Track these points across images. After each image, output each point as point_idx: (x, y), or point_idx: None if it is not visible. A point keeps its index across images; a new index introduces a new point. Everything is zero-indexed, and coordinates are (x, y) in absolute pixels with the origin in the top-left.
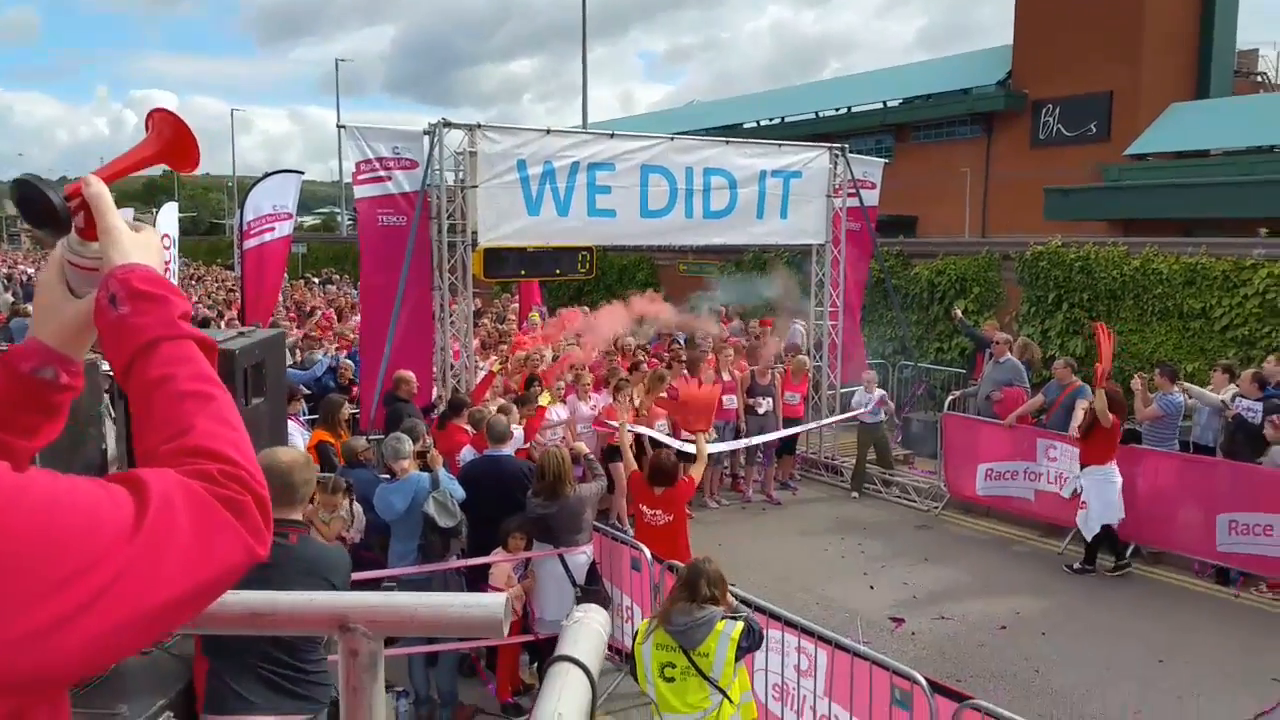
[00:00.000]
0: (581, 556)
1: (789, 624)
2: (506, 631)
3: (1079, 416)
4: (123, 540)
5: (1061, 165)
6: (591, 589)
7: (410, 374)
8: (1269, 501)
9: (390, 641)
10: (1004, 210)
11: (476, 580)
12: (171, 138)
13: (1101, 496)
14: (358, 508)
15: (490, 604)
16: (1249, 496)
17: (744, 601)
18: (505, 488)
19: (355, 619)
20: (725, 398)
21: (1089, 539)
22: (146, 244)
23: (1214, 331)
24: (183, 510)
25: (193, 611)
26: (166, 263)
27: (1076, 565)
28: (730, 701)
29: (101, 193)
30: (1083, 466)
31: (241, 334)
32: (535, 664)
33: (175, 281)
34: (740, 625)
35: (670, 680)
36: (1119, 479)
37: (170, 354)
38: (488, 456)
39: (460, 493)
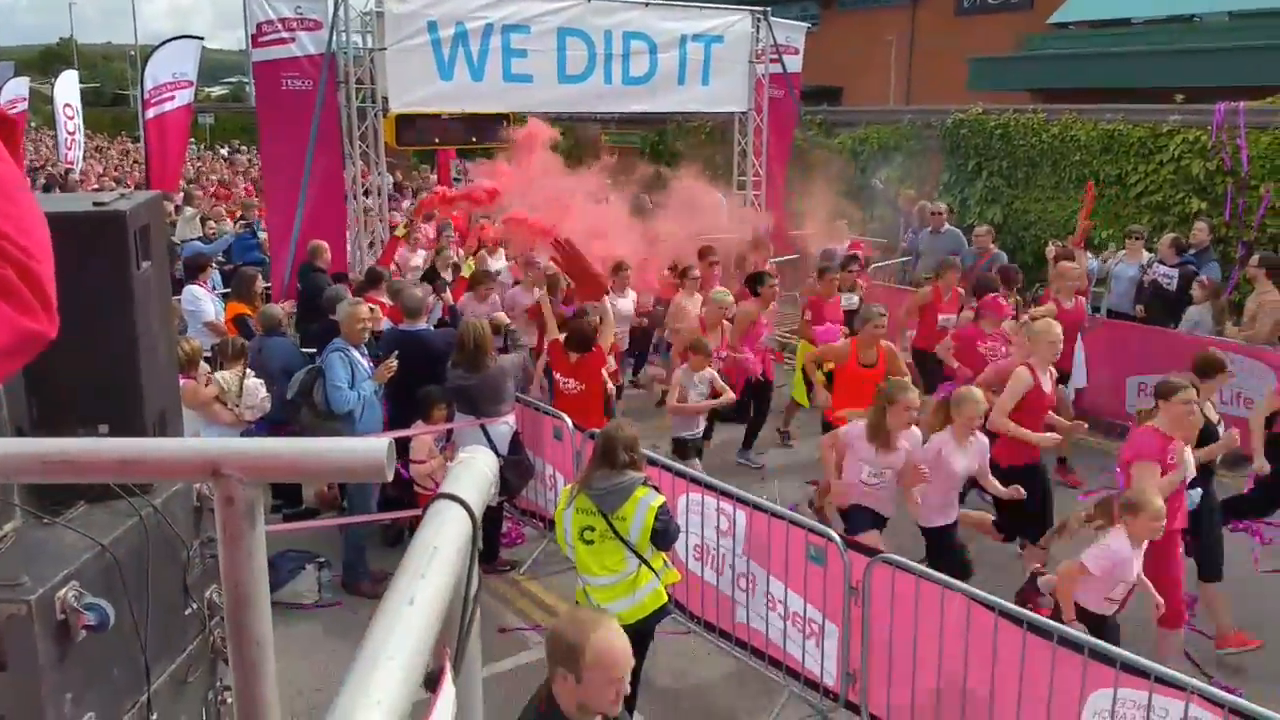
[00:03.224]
0: (504, 427)
1: (709, 487)
2: (391, 475)
3: None
4: None
5: (986, 34)
6: (514, 458)
7: (324, 243)
8: (1174, 364)
9: (314, 514)
10: (929, 79)
11: (398, 453)
12: None
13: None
14: (253, 383)
15: (372, 447)
16: (1157, 360)
17: (678, 473)
18: (425, 361)
19: (229, 466)
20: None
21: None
22: None
23: (1129, 198)
24: None
25: None
26: (72, 133)
27: None
28: (650, 568)
29: None
30: None
31: (124, 195)
32: None
33: (81, 153)
34: (660, 499)
35: (589, 543)
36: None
37: None
38: (405, 330)
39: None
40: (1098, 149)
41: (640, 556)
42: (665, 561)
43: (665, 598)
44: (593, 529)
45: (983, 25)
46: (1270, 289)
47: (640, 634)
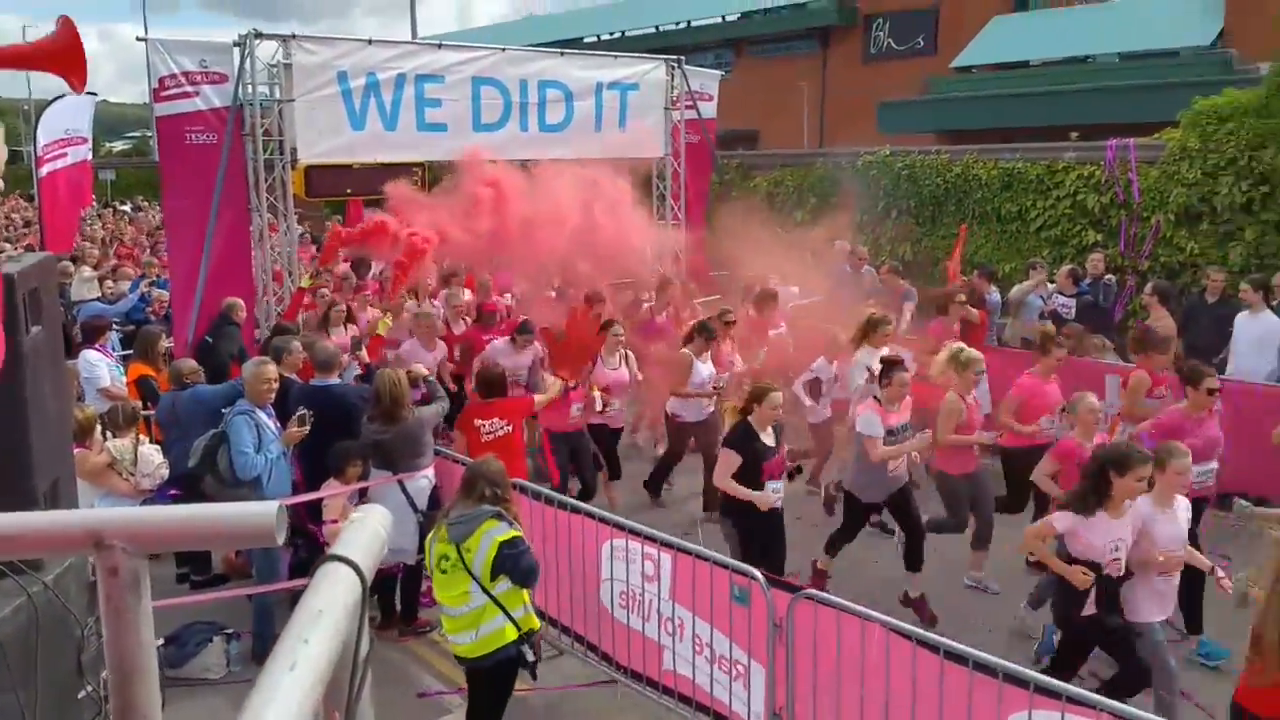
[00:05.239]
0: (423, 481)
1: (633, 532)
2: (283, 539)
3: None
4: None
5: (893, 79)
6: (434, 514)
7: (239, 300)
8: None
9: (223, 580)
10: (840, 123)
11: (313, 516)
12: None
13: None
14: (147, 450)
15: (261, 511)
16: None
17: (601, 519)
18: (338, 416)
19: (112, 535)
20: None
21: None
22: None
23: (1029, 233)
24: None
25: None
26: None
27: None
28: (498, 605)
29: None
30: None
31: (12, 258)
32: (375, 595)
33: None
34: (511, 532)
35: (444, 572)
36: None
37: None
38: (316, 385)
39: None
40: (998, 187)
41: (487, 591)
42: (526, 603)
43: (510, 637)
44: (448, 558)
45: (890, 70)
46: (1163, 314)
47: (484, 672)
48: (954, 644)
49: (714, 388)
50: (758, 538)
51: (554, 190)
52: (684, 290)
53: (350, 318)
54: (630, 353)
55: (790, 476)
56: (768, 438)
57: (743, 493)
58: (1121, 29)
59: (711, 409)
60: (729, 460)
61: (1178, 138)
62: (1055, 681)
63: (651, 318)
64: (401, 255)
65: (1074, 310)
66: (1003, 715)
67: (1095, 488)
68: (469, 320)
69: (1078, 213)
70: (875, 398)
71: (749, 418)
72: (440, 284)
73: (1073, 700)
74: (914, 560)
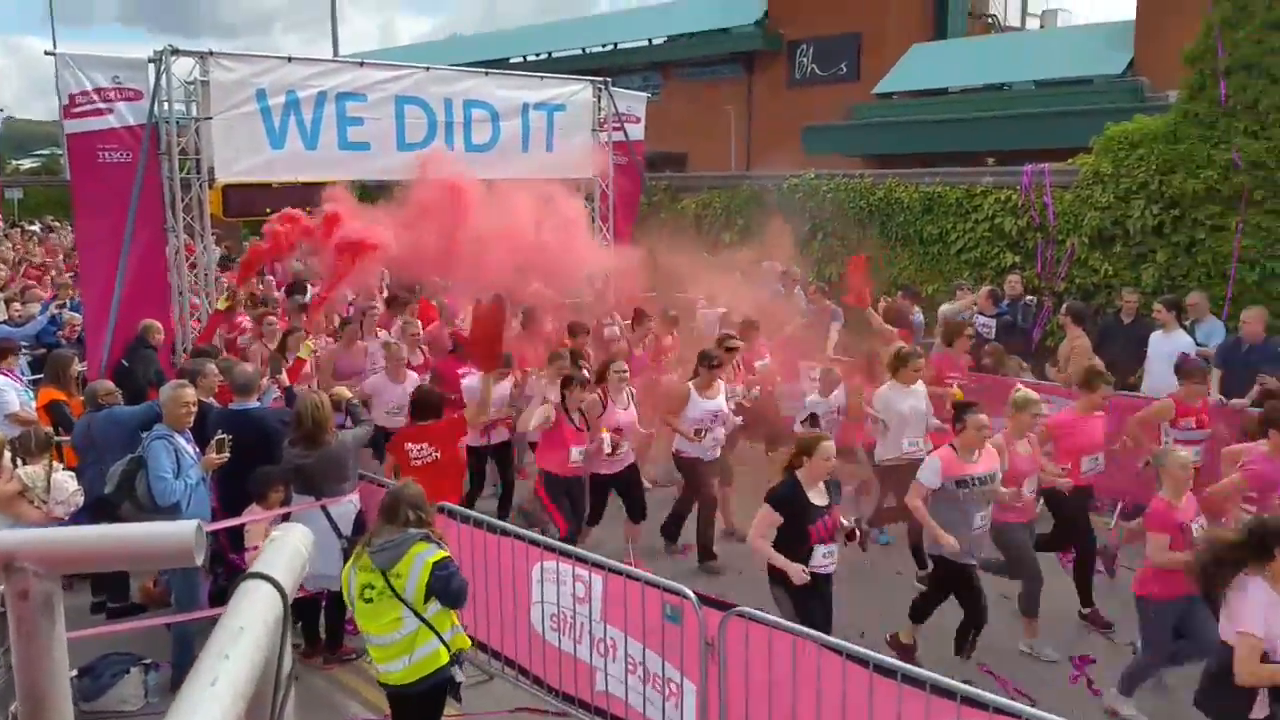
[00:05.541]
0: (347, 506)
1: (564, 554)
2: (202, 559)
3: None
4: None
5: (817, 103)
6: (358, 539)
7: (157, 323)
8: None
9: (141, 610)
10: (766, 146)
11: (233, 544)
12: None
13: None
14: (61, 476)
15: (179, 530)
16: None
17: (531, 540)
18: (258, 441)
19: (23, 557)
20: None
21: None
22: None
23: (950, 255)
24: None
25: None
26: None
27: None
28: (431, 628)
29: None
30: None
31: None
32: (299, 622)
33: None
34: (441, 553)
35: (369, 601)
36: None
37: None
38: (235, 409)
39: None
40: (920, 210)
41: (419, 616)
42: (454, 623)
43: (444, 659)
44: (372, 587)
45: (814, 95)
46: (1079, 334)
47: (418, 697)
48: (884, 658)
49: (695, 431)
50: (804, 600)
51: (508, 206)
52: (663, 320)
53: None
54: (633, 390)
55: (849, 538)
56: (818, 496)
57: (777, 560)
58: (1037, 58)
59: (718, 451)
60: (768, 519)
61: (1091, 163)
62: (982, 693)
63: (630, 352)
64: (349, 239)
65: (994, 330)
66: None
67: (1254, 560)
68: (425, 349)
69: (996, 235)
70: (952, 445)
71: (797, 473)
72: (387, 311)
73: (1000, 710)
74: (920, 615)
